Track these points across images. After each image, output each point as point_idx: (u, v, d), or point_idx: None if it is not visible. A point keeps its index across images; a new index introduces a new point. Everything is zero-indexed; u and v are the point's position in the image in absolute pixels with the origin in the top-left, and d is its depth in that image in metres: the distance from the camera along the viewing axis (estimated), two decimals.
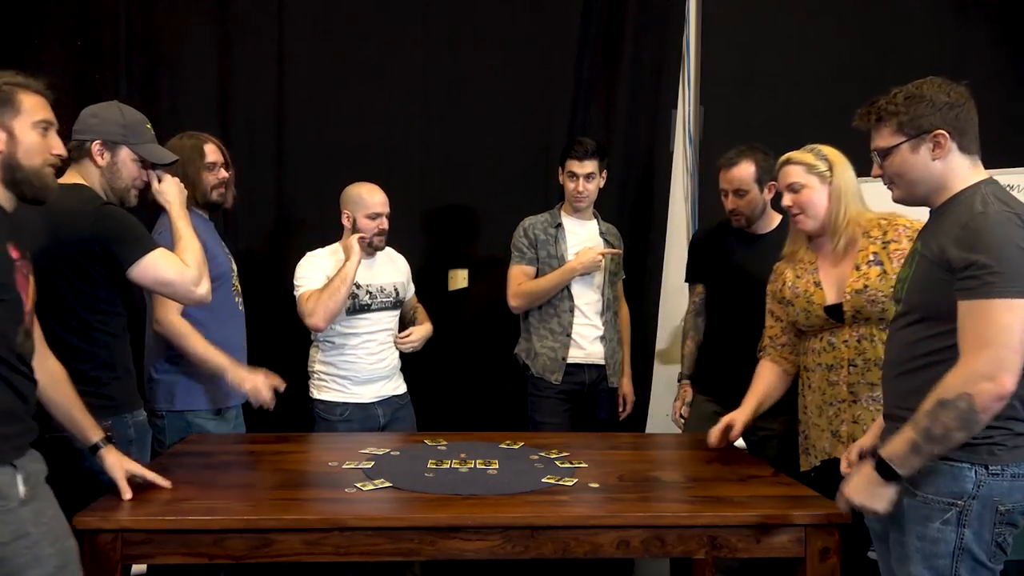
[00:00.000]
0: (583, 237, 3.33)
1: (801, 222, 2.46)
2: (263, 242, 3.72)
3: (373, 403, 3.13)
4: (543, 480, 2.23)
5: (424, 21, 3.77)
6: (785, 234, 2.77)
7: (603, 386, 3.33)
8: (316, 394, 3.15)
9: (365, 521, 1.95)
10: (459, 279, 3.74)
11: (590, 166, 3.22)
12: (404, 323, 3.31)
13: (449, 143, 3.78)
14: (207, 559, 1.92)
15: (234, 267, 2.89)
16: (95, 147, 2.29)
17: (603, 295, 3.31)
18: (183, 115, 3.61)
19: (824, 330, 2.44)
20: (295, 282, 3.08)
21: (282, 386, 2.71)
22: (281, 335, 3.42)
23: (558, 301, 3.27)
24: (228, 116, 3.69)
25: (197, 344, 2.61)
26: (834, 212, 2.41)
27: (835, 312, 2.39)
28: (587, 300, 3.29)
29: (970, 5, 3.91)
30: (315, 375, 3.16)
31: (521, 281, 3.29)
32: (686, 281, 3.27)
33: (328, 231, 3.71)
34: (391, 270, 3.25)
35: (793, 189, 2.44)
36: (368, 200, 3.11)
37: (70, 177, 2.29)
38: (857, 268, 2.38)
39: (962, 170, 1.83)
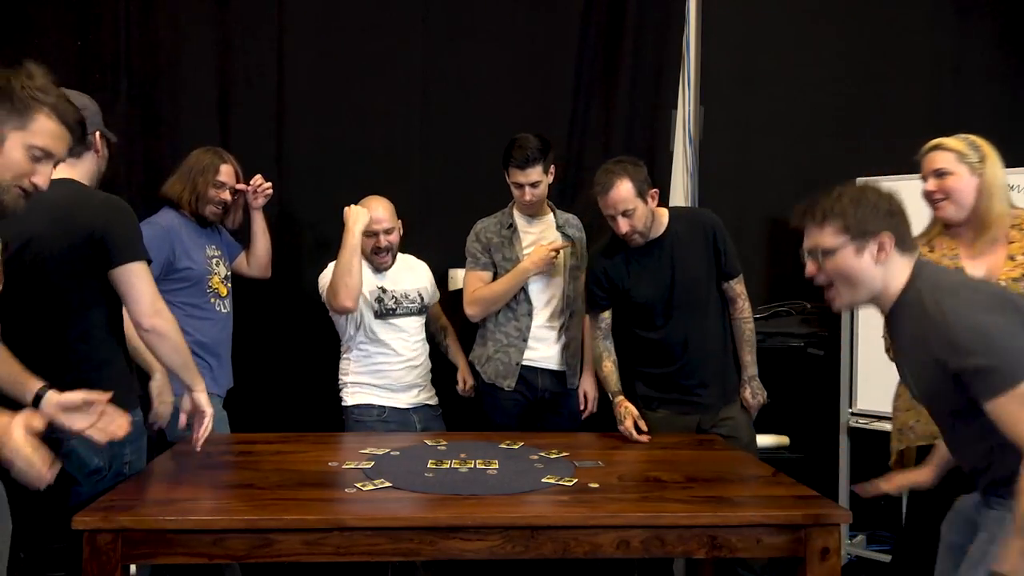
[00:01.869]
0: (538, 235, 3.17)
1: (943, 208, 2.36)
2: None
3: (409, 408, 3.09)
4: (543, 480, 2.23)
5: (424, 21, 3.77)
6: (673, 235, 2.83)
7: (560, 390, 3.19)
8: (349, 401, 3.08)
9: (365, 521, 1.95)
10: (459, 279, 3.74)
11: (534, 174, 3.04)
12: (432, 342, 3.27)
13: (449, 143, 3.78)
14: (207, 559, 1.92)
15: (218, 270, 2.91)
16: (97, 138, 2.29)
17: (563, 293, 3.16)
18: (183, 115, 3.61)
19: None
20: (320, 280, 3.09)
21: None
22: (288, 336, 3.42)
23: (516, 305, 3.13)
24: (228, 116, 3.68)
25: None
26: (984, 206, 2.31)
27: None
28: (546, 299, 3.16)
29: (970, 5, 3.91)
30: (348, 385, 3.10)
31: (476, 288, 3.14)
32: (589, 311, 3.02)
33: (328, 230, 3.69)
34: (412, 276, 3.18)
35: (940, 175, 2.35)
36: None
37: (57, 172, 2.23)
38: (1012, 259, 2.32)
39: (900, 271, 1.83)
